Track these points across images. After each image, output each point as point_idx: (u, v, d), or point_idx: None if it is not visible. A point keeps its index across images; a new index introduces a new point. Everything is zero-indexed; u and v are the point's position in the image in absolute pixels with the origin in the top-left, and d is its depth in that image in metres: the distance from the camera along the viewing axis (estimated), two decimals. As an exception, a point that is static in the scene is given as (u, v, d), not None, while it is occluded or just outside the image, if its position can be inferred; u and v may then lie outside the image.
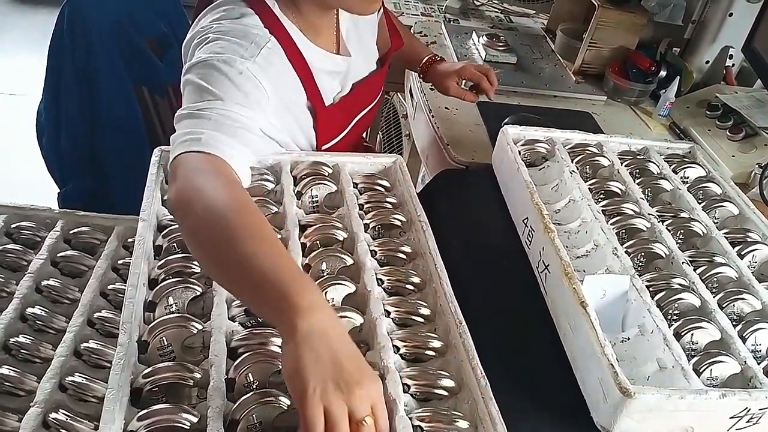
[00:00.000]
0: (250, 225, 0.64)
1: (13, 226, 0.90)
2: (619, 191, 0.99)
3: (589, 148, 1.06)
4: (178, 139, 0.75)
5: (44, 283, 0.81)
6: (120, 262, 0.87)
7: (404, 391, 0.64)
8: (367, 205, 0.88)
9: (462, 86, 1.22)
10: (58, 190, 1.38)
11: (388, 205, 0.88)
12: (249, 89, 0.82)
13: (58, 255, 0.86)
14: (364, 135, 1.46)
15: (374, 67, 1.11)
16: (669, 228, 0.93)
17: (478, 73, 1.19)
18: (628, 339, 0.80)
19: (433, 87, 1.28)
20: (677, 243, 0.91)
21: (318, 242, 0.80)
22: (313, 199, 0.88)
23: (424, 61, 1.25)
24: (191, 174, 0.70)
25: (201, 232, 0.65)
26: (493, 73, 1.20)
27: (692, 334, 0.77)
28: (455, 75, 1.20)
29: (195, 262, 0.74)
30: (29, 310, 0.77)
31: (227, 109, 0.78)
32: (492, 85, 1.19)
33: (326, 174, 0.90)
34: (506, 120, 1.22)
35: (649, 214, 0.94)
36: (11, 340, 0.74)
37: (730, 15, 1.47)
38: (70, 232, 0.90)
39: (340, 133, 1.05)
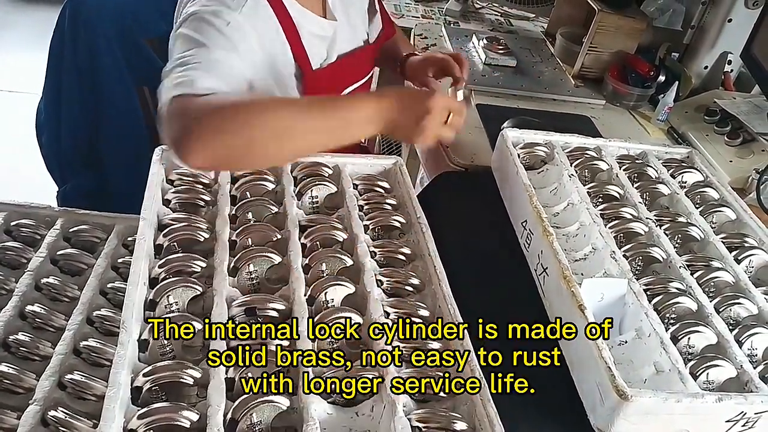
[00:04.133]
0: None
1: (12, 223, 0.89)
2: (617, 195, 1.00)
3: (588, 152, 1.07)
4: (171, 83, 0.76)
5: (44, 280, 0.81)
6: (120, 260, 0.87)
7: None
8: (367, 207, 0.88)
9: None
10: (58, 189, 1.38)
11: (388, 207, 0.88)
12: (236, 39, 0.84)
13: (58, 253, 0.86)
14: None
15: (361, 43, 1.10)
16: (666, 232, 0.93)
17: (444, 59, 1.11)
18: (626, 342, 0.81)
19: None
20: (675, 247, 0.91)
21: (318, 243, 0.81)
22: (313, 200, 0.89)
23: (404, 55, 1.20)
24: (189, 106, 0.73)
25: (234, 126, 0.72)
26: (461, 56, 1.12)
27: (689, 338, 0.78)
28: (425, 65, 1.15)
29: (195, 262, 0.74)
30: (29, 307, 0.77)
31: (214, 56, 0.81)
32: (462, 65, 1.10)
33: (326, 175, 0.90)
34: (506, 123, 1.22)
35: (647, 218, 0.95)
36: (10, 337, 0.74)
37: (729, 21, 1.48)
38: (70, 230, 0.90)
39: None
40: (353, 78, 1.10)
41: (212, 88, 0.76)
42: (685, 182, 1.07)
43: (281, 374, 0.65)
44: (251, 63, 0.88)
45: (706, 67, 1.56)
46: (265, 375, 0.64)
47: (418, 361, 0.70)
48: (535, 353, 0.83)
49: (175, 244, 0.78)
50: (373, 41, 1.15)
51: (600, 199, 0.99)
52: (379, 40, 1.16)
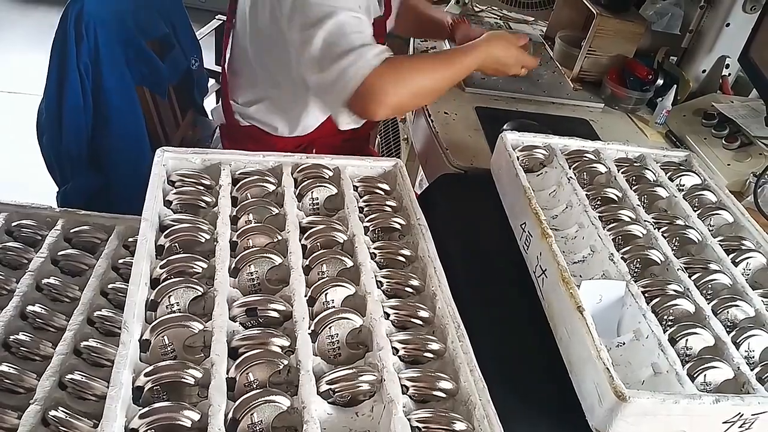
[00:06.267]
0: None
1: (13, 224, 0.90)
2: (615, 198, 1.00)
3: (587, 155, 1.07)
4: (345, 71, 0.98)
5: (44, 281, 0.81)
6: (120, 261, 0.87)
7: (403, 393, 0.65)
8: (367, 208, 0.89)
9: None
10: (58, 189, 1.38)
11: (388, 209, 0.89)
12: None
13: (59, 253, 0.86)
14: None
15: (380, 13, 1.23)
16: (664, 235, 0.94)
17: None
18: (624, 344, 0.81)
19: None
20: (672, 250, 0.92)
21: (318, 244, 0.81)
22: (314, 202, 0.89)
23: (451, 23, 1.42)
24: (378, 82, 0.99)
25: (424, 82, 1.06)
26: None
27: (687, 340, 0.78)
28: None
29: (196, 262, 0.75)
30: (29, 307, 0.78)
31: (348, 13, 1.00)
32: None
33: (327, 177, 0.91)
34: (505, 126, 1.23)
35: (645, 220, 0.95)
36: (11, 337, 0.74)
37: (727, 25, 1.49)
38: (71, 230, 0.90)
39: None
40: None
41: (386, 57, 1.00)
42: (683, 185, 1.08)
43: (281, 374, 0.66)
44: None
45: (704, 71, 1.57)
46: (266, 375, 0.65)
47: (417, 362, 0.71)
48: (533, 354, 0.84)
49: (176, 244, 0.78)
50: (383, 15, 1.29)
51: (598, 202, 0.99)
52: (386, 15, 1.28)
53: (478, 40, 1.18)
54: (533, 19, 1.92)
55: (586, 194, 0.98)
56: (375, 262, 0.81)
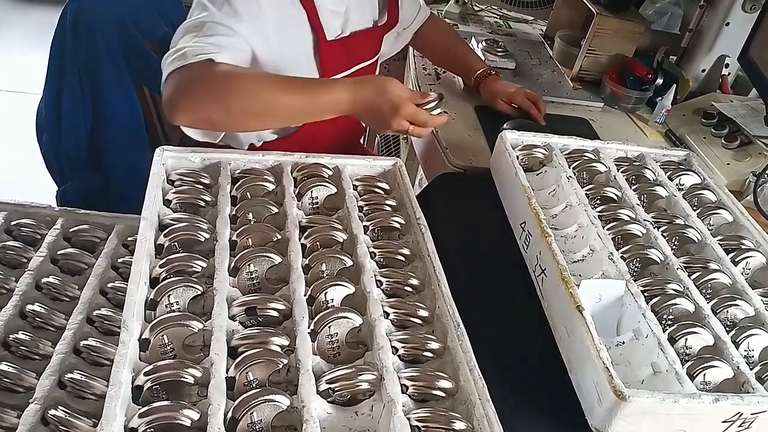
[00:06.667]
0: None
1: (13, 223, 0.90)
2: (615, 197, 1.00)
3: (586, 154, 1.07)
4: (168, 58, 0.87)
5: (44, 280, 0.81)
6: (120, 260, 0.87)
7: (402, 392, 0.65)
8: (367, 207, 0.89)
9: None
10: (57, 188, 1.38)
11: (388, 208, 0.89)
12: (241, 6, 0.91)
13: (58, 252, 0.86)
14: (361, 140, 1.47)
15: (370, 24, 1.18)
16: (664, 234, 0.94)
17: (528, 102, 1.29)
18: (623, 343, 0.81)
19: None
20: (672, 249, 0.92)
21: (318, 243, 0.81)
22: (313, 201, 0.89)
23: (478, 73, 1.35)
24: (188, 73, 0.86)
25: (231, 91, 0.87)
26: (541, 101, 1.30)
27: (686, 339, 0.78)
28: (506, 97, 1.31)
29: (196, 262, 0.74)
30: (29, 307, 0.78)
31: (214, 22, 0.89)
32: (540, 113, 1.29)
33: (326, 176, 0.91)
34: (504, 125, 1.23)
35: (644, 220, 0.95)
36: (11, 336, 0.74)
37: (727, 24, 1.49)
38: (70, 230, 0.90)
39: (341, 72, 1.12)
40: (363, 56, 1.17)
41: (212, 58, 0.87)
42: (683, 184, 1.08)
43: (281, 374, 0.66)
44: (260, 33, 0.95)
45: (703, 71, 1.57)
46: (265, 374, 0.65)
47: (416, 361, 0.71)
48: (533, 353, 0.84)
49: (175, 244, 0.78)
50: (382, 25, 1.21)
51: (598, 201, 0.99)
52: (387, 26, 1.23)
53: (348, 78, 1.03)
54: (533, 18, 1.92)
55: (586, 193, 0.98)
56: (374, 261, 0.81)
